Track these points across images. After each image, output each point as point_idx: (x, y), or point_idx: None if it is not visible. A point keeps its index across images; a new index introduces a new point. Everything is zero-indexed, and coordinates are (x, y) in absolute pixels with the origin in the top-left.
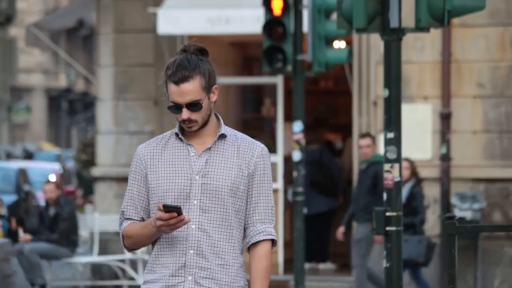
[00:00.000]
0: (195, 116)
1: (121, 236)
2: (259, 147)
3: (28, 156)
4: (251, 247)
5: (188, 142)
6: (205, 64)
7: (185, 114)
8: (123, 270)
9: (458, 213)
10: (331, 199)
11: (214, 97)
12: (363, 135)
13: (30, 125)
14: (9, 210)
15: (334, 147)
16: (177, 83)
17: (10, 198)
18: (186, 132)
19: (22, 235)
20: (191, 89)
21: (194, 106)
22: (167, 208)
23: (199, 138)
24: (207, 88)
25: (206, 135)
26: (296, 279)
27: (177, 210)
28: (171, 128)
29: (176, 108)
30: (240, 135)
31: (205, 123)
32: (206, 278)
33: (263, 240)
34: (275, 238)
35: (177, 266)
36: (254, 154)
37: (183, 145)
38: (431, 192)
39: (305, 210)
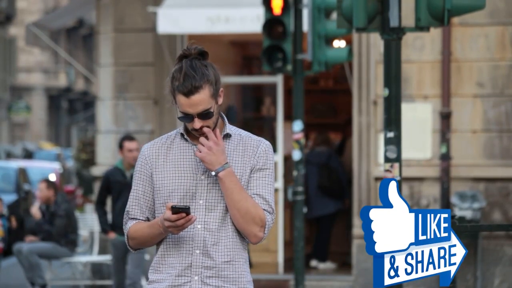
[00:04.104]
0: (207, 123)
1: (126, 236)
2: (264, 144)
3: (28, 155)
4: None
5: (193, 142)
6: (210, 69)
7: (197, 124)
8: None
9: (458, 212)
10: (338, 201)
11: (221, 100)
12: (130, 138)
13: (30, 125)
14: (9, 210)
15: (343, 149)
16: (186, 95)
17: (10, 198)
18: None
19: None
20: (201, 99)
21: (205, 115)
22: (175, 209)
23: None
24: (215, 94)
25: None
26: (296, 278)
27: (186, 210)
28: (171, 127)
29: (187, 118)
30: (245, 133)
31: (214, 126)
32: (212, 277)
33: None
34: (267, 227)
35: (184, 266)
36: (258, 150)
37: (188, 145)
38: (431, 191)
39: (305, 210)
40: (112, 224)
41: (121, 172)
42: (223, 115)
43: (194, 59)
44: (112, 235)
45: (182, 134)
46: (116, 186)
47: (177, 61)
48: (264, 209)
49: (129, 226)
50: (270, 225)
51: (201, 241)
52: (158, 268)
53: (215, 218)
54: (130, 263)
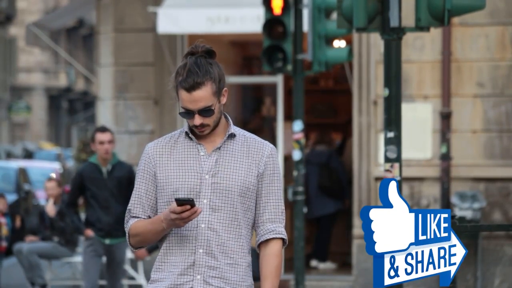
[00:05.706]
0: (207, 121)
1: (127, 234)
2: (269, 147)
3: (28, 155)
4: (261, 245)
5: (198, 141)
6: (215, 67)
7: (197, 120)
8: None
9: (458, 212)
10: (338, 201)
11: (224, 100)
12: (103, 129)
13: (30, 125)
14: (10, 210)
15: (344, 149)
16: (188, 90)
17: (10, 198)
18: None
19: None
20: (202, 96)
21: (206, 112)
22: (180, 202)
23: (208, 137)
24: (218, 92)
25: (215, 135)
26: (296, 278)
27: (190, 202)
28: (171, 127)
29: (188, 114)
30: (249, 135)
31: (216, 125)
32: (215, 277)
33: (273, 238)
34: (285, 237)
35: (186, 265)
36: (264, 154)
37: (193, 144)
38: (431, 191)
39: (305, 210)
40: (87, 226)
41: (97, 168)
42: (228, 115)
43: (200, 57)
44: (90, 232)
45: (186, 133)
46: (91, 184)
47: (183, 58)
48: (279, 221)
49: (131, 224)
50: (285, 234)
51: (205, 240)
52: (160, 267)
53: (219, 219)
54: (110, 278)
